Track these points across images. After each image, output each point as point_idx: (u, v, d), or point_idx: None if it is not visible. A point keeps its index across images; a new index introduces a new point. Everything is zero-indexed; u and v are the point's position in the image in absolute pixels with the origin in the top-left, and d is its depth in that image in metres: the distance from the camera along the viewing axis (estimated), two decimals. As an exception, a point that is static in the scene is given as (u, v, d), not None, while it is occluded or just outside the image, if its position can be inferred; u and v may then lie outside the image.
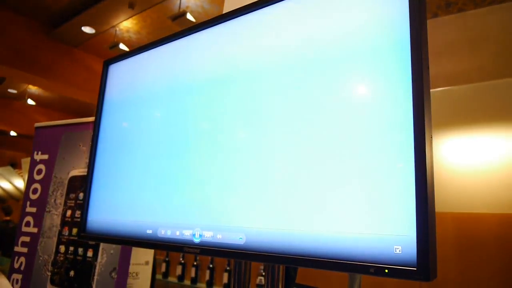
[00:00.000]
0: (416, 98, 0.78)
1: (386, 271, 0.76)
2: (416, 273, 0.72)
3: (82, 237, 1.39)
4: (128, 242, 1.26)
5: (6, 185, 10.90)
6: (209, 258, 3.62)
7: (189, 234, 1.10)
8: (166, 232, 1.15)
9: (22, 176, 8.81)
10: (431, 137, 0.80)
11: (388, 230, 0.77)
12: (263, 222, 0.95)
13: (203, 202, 1.08)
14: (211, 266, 3.60)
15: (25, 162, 7.29)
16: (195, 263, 3.72)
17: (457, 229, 2.62)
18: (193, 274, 3.70)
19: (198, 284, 3.65)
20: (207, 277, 3.59)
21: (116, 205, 1.35)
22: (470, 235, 2.57)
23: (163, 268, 3.96)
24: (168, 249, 1.14)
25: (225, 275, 3.44)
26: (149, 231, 1.20)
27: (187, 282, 3.74)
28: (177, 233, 1.12)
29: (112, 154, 1.43)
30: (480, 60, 3.54)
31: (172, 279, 3.88)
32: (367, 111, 0.86)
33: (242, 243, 0.98)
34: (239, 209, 1.01)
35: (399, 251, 0.75)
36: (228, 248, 1.00)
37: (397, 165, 0.79)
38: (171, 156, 1.21)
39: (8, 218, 6.64)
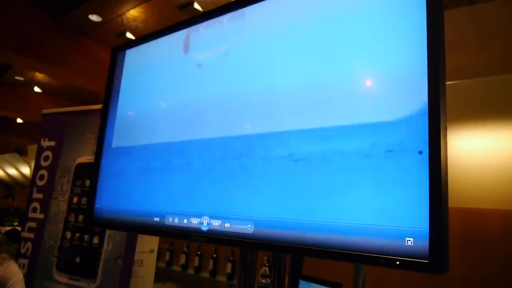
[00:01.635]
0: (431, 87, 0.77)
1: (397, 263, 0.75)
2: (427, 266, 0.71)
3: (89, 223, 1.40)
4: (135, 229, 1.26)
5: (13, 172, 10.99)
6: (213, 248, 3.62)
7: (196, 222, 1.09)
8: (174, 220, 1.15)
9: (28, 163, 8.87)
10: (446, 128, 0.79)
11: (400, 222, 0.76)
12: (272, 211, 0.95)
13: (212, 190, 1.08)
14: (214, 256, 3.61)
15: (32, 149, 7.35)
16: (198, 253, 3.73)
17: (463, 224, 2.61)
18: (196, 264, 3.71)
19: (202, 273, 3.67)
20: (210, 266, 3.60)
21: (123, 193, 1.35)
22: (476, 231, 2.56)
23: (167, 257, 3.98)
24: (175, 237, 1.13)
25: (229, 265, 3.45)
26: (156, 219, 1.20)
27: (190, 271, 3.75)
28: (185, 221, 1.12)
29: (120, 141, 1.42)
30: (490, 54, 3.48)
31: (175, 268, 3.90)
32: (384, 101, 0.84)
33: (250, 232, 0.98)
34: (247, 198, 1.00)
35: (411, 243, 0.74)
36: (236, 237, 1.00)
37: (411, 156, 0.78)
38: (180, 144, 1.20)
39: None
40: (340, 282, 1.68)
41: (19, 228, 5.09)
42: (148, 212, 1.22)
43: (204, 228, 1.07)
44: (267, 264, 2.66)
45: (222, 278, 3.51)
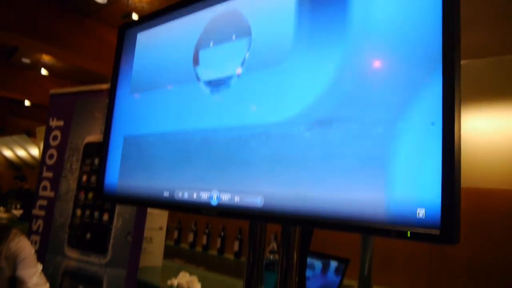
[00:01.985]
0: (446, 59, 0.75)
1: (408, 234, 0.75)
2: (439, 237, 0.71)
3: (100, 198, 1.41)
4: (145, 203, 1.27)
5: (22, 153, 11.12)
6: (220, 226, 3.66)
7: (206, 197, 1.10)
8: (184, 194, 1.16)
9: (37, 144, 8.95)
10: (460, 100, 0.77)
11: (412, 193, 0.76)
12: (282, 185, 0.95)
13: (221, 165, 1.08)
14: (222, 234, 3.65)
15: (40, 130, 7.39)
16: (206, 231, 3.77)
17: (471, 204, 2.60)
18: (204, 242, 3.76)
19: (210, 251, 3.72)
20: (218, 244, 3.65)
21: (133, 168, 1.36)
22: (484, 211, 2.55)
23: (175, 235, 4.04)
24: (185, 211, 1.14)
25: (236, 243, 3.49)
26: (166, 194, 1.20)
27: (198, 249, 3.81)
28: (194, 195, 1.13)
29: (129, 118, 1.42)
30: (501, 33, 3.41)
31: (184, 245, 3.96)
32: (396, 71, 0.83)
33: (260, 206, 0.98)
34: (257, 172, 1.00)
35: (422, 214, 0.74)
36: (245, 210, 1.00)
37: (423, 127, 0.77)
38: (189, 119, 1.20)
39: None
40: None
41: (15, 212, 5.08)
42: (158, 187, 1.23)
43: (214, 202, 1.08)
44: (275, 241, 2.69)
45: (229, 256, 3.56)
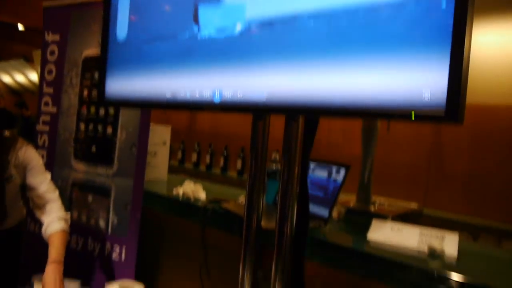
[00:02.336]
0: None
1: (412, 117, 0.75)
2: (443, 117, 0.71)
3: (103, 103, 1.40)
4: (148, 105, 1.27)
5: (21, 79, 10.99)
6: (223, 146, 3.72)
7: (209, 94, 1.09)
8: (186, 94, 1.15)
9: (35, 69, 8.81)
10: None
11: (419, 76, 0.74)
12: (285, 77, 0.93)
13: (223, 60, 1.05)
14: (225, 153, 3.73)
15: (37, 54, 7.21)
16: (209, 151, 3.85)
17: (472, 121, 2.59)
18: (207, 161, 3.86)
19: (213, 170, 3.83)
20: (221, 163, 3.75)
21: (134, 72, 1.33)
22: (486, 126, 2.55)
23: (179, 156, 4.13)
24: (187, 109, 1.15)
25: (239, 162, 3.57)
26: (168, 95, 1.20)
27: (202, 168, 3.92)
28: (197, 94, 1.12)
29: (129, 19, 1.37)
30: None
31: (187, 165, 4.06)
32: None
33: (263, 99, 0.97)
34: (260, 66, 0.98)
35: (428, 97, 0.73)
36: (248, 105, 1.00)
37: (435, 9, 0.73)
38: (189, 20, 1.15)
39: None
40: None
41: None
42: (160, 89, 1.22)
43: (216, 99, 1.07)
44: (277, 153, 2.75)
45: (233, 174, 3.66)
